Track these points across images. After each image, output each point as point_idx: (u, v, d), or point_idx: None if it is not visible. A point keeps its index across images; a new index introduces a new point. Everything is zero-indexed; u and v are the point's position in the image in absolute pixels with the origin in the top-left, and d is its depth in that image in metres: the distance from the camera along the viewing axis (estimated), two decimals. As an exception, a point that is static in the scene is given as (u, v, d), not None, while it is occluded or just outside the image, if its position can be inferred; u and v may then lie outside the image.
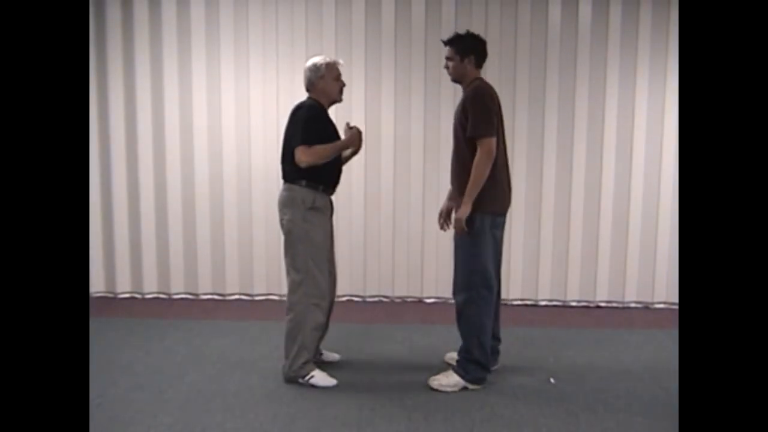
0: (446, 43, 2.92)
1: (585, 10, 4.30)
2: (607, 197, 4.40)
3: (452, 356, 3.26)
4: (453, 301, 2.94)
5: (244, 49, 4.39)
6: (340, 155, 2.98)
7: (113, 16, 4.39)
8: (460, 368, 2.87)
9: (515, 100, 4.35)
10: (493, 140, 2.73)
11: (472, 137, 2.76)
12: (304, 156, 2.76)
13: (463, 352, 2.87)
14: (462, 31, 2.96)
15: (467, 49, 2.87)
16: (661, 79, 4.32)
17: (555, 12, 4.30)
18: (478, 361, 2.84)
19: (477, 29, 4.29)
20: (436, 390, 2.85)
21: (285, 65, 4.38)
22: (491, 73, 4.33)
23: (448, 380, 2.86)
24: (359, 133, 2.95)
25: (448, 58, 2.92)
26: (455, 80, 2.96)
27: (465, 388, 2.85)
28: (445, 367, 3.14)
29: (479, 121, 2.73)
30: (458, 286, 2.88)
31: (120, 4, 4.39)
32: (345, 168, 4.32)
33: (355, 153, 3.07)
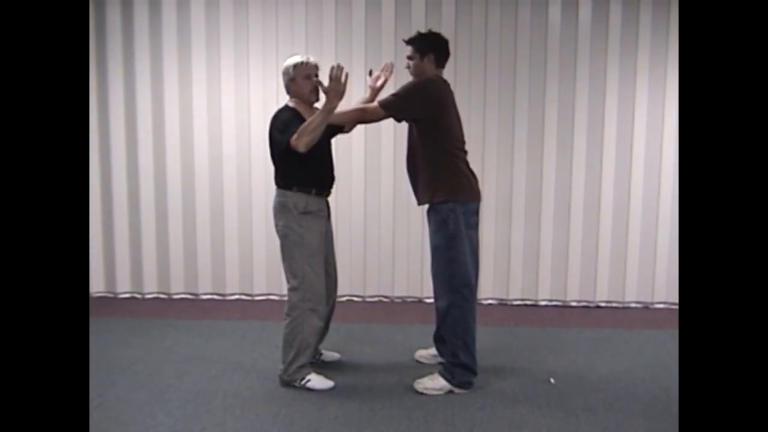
0: (407, 42, 2.90)
1: (585, 11, 4.30)
2: (607, 197, 4.40)
3: (422, 354, 3.26)
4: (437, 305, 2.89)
5: (244, 49, 4.39)
6: (330, 156, 2.96)
7: (113, 16, 4.39)
8: (447, 372, 2.84)
9: (515, 100, 4.35)
10: (383, 115, 2.76)
11: (380, 101, 2.78)
12: (297, 140, 2.64)
13: (449, 356, 2.84)
14: (425, 30, 2.94)
15: (427, 48, 2.86)
16: (661, 79, 4.32)
17: (555, 12, 4.30)
18: (464, 365, 2.81)
19: (477, 29, 4.32)
20: (422, 393, 2.81)
21: (285, 65, 4.39)
22: (491, 73, 4.33)
23: (434, 383, 2.83)
24: (338, 79, 2.59)
25: (409, 57, 2.91)
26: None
27: (451, 392, 2.82)
28: (417, 365, 3.15)
29: (394, 96, 2.76)
30: (440, 292, 2.84)
31: (120, 4, 4.39)
32: (345, 168, 4.39)
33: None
